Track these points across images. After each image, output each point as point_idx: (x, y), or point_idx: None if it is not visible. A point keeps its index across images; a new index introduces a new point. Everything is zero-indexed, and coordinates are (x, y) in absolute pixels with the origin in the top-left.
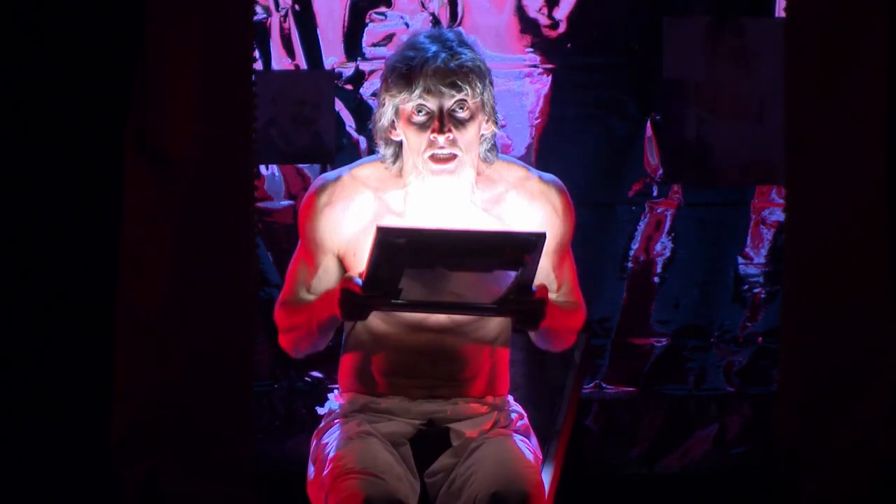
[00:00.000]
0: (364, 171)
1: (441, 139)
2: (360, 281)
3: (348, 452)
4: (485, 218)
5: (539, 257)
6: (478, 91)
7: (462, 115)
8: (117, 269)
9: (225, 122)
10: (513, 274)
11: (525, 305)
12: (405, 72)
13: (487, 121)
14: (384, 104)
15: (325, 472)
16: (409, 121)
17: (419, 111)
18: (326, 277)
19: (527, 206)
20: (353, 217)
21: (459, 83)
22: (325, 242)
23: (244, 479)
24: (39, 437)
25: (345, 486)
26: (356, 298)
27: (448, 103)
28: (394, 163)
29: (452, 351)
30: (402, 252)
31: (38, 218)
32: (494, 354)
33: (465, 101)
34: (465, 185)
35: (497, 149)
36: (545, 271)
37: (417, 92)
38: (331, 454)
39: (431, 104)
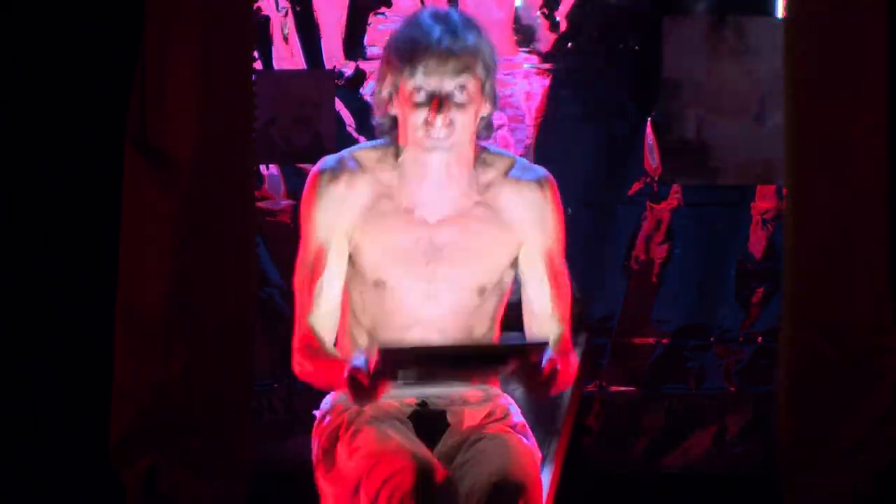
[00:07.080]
0: (362, 154)
1: (438, 120)
2: (363, 364)
3: (369, 436)
4: (475, 200)
5: (543, 360)
6: (479, 75)
7: (461, 98)
8: (117, 269)
9: (225, 122)
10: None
11: (536, 384)
12: (407, 52)
13: (486, 102)
14: (385, 77)
15: (349, 462)
16: (408, 100)
17: (419, 91)
18: (339, 266)
19: (517, 192)
20: (355, 198)
21: (461, 68)
22: (334, 222)
23: (244, 479)
24: (39, 437)
25: (390, 464)
26: (364, 389)
27: (448, 87)
28: (388, 133)
29: None
30: (407, 365)
31: (37, 218)
32: None
33: (466, 85)
34: (457, 166)
35: (492, 127)
36: (538, 278)
37: (419, 74)
38: (348, 443)
39: (431, 86)
